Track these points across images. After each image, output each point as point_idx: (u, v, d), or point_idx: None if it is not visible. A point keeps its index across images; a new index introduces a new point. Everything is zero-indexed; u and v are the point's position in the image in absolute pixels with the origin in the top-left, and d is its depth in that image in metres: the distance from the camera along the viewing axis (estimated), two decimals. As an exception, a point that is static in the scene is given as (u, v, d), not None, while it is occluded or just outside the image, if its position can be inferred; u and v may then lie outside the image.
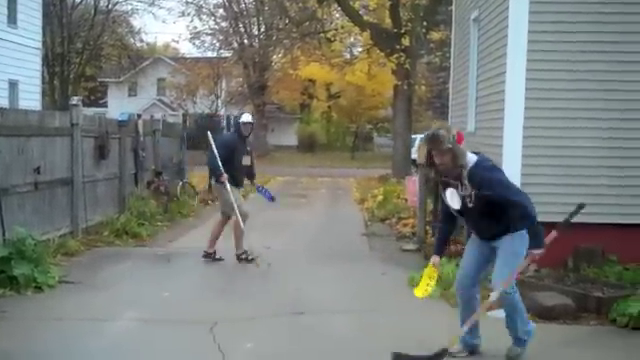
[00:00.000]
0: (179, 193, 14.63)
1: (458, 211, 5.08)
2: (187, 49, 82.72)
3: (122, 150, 12.21)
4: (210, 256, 9.09)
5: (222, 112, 22.37)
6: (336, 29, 26.07)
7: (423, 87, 33.88)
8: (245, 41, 38.53)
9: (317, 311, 6.79)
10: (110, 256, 9.42)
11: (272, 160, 34.68)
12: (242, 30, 38.79)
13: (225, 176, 8.83)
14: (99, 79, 48.64)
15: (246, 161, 9.23)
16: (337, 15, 28.12)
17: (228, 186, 8.87)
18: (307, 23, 28.64)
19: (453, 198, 5.05)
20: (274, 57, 38.82)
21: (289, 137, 47.95)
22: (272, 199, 9.73)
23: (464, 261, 5.41)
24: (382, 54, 22.66)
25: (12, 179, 8.36)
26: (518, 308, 5.13)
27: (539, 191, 7.19)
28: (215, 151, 8.91)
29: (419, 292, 5.06)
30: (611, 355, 5.67)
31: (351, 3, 22.89)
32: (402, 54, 21.19)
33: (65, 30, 37.64)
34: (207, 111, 18.96)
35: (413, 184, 13.12)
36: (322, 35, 28.48)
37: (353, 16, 23.07)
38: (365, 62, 26.98)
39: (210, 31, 38.06)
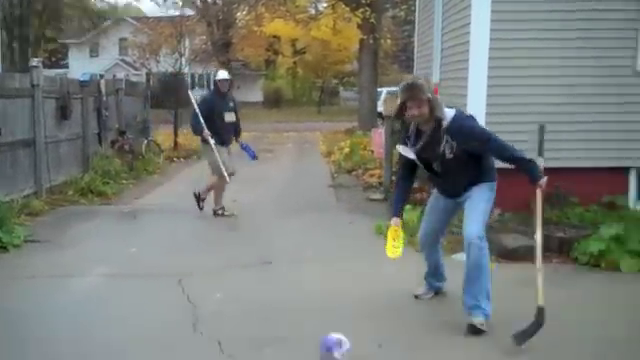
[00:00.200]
0: (144, 151, 14.56)
1: (428, 166, 4.94)
2: (149, 8, 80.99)
3: (85, 110, 12.15)
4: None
5: (186, 70, 22.04)
6: (300, -16, 25.78)
7: (389, 41, 33.77)
8: (208, -1, 37.81)
9: (286, 261, 6.84)
10: (76, 215, 9.35)
11: (238, 117, 34.35)
12: (204, -13, 38.01)
13: (207, 132, 8.78)
14: (60, 41, 47.56)
15: (229, 118, 9.13)
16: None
17: (213, 144, 8.82)
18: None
19: (419, 151, 4.86)
20: (238, 14, 38.17)
21: (255, 94, 47.54)
22: (255, 158, 9.69)
23: (428, 218, 5.33)
24: (347, 9, 22.49)
25: (-28, 140, 8.22)
26: (484, 264, 4.79)
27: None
28: (197, 109, 8.84)
29: (389, 252, 5.03)
30: (572, 290, 5.83)
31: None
32: (367, 8, 21.05)
33: (24, -9, 36.72)
34: (171, 70, 18.65)
35: (379, 136, 13.20)
36: (287, -9, 28.08)
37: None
38: (330, 17, 26.74)
39: (172, -12, 37.22)
